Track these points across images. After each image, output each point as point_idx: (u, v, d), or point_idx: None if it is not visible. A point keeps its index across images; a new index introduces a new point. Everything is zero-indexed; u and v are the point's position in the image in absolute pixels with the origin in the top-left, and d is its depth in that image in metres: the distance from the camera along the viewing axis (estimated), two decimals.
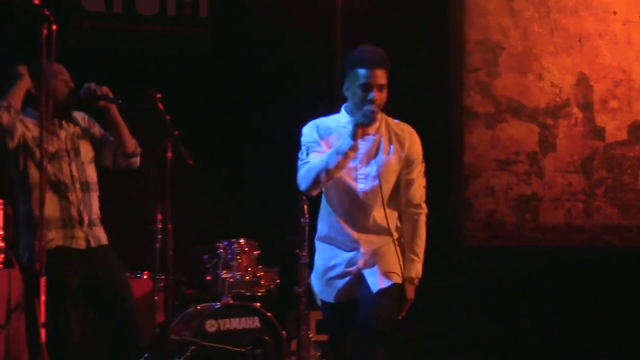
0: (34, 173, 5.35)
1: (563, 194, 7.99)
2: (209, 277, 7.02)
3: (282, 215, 7.53)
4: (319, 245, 5.21)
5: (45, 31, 4.38)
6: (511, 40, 8.10)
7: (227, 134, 7.96)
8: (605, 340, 7.38)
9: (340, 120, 5.07)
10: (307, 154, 5.01)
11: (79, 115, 5.65)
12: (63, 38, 4.56)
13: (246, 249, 7.02)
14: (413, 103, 7.89)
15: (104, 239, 5.61)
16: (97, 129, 5.69)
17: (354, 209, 5.05)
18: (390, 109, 7.97)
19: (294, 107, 7.55)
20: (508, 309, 7.77)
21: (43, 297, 4.46)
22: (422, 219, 5.24)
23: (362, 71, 4.98)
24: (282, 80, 8.05)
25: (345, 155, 4.86)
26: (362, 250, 5.03)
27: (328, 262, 5.10)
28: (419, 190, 5.23)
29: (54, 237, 5.30)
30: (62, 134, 5.50)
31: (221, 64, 8.02)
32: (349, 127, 4.89)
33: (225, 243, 6.99)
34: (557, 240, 7.95)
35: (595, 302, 7.62)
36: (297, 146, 5.15)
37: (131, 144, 5.70)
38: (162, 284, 6.30)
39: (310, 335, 7.24)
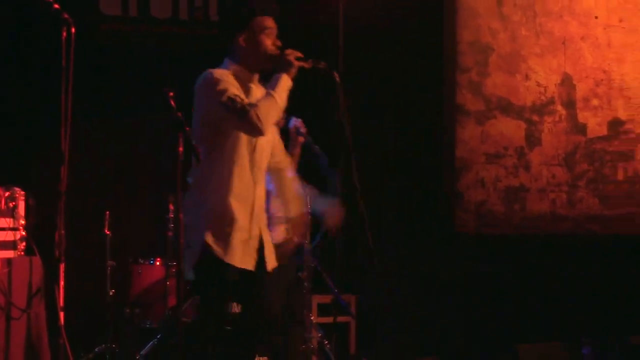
0: None
1: (548, 185, 7.97)
2: None
3: None
4: (218, 212, 4.54)
5: (65, 34, 4.35)
6: (500, 42, 8.07)
7: None
8: (587, 324, 7.33)
9: (239, 75, 4.64)
10: (238, 97, 4.47)
11: None
12: (82, 40, 4.51)
13: None
14: (409, 100, 7.88)
15: None
16: None
17: (257, 157, 4.65)
18: (388, 107, 7.99)
19: (294, 101, 7.51)
20: (498, 292, 7.75)
21: (62, 283, 4.43)
22: None
23: (269, 20, 4.68)
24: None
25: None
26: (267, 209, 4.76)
27: (233, 223, 4.55)
28: None
29: None
30: None
31: None
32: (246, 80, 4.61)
33: None
34: (543, 229, 7.93)
35: (579, 287, 7.58)
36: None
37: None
38: (174, 270, 6.24)
39: (312, 318, 7.20)
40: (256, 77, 4.77)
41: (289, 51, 4.66)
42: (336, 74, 4.67)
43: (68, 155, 4.44)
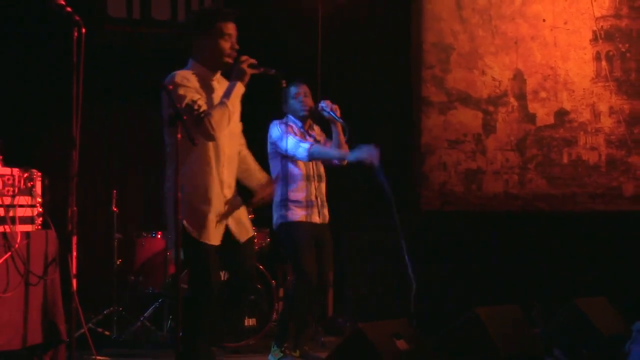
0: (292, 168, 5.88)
1: (502, 168, 8.01)
2: None
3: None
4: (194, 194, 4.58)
5: (76, 34, 4.35)
6: (460, 42, 8.09)
7: None
8: (537, 289, 7.38)
9: (201, 75, 4.64)
10: (197, 102, 4.46)
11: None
12: (91, 40, 4.52)
13: None
14: (381, 94, 7.91)
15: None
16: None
17: (231, 150, 4.72)
18: (362, 99, 8.01)
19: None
20: (460, 262, 7.77)
21: (75, 253, 4.46)
22: None
23: (226, 25, 4.64)
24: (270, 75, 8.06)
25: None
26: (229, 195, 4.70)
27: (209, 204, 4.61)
28: None
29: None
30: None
31: None
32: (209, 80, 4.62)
33: None
34: (497, 206, 7.97)
35: (529, 257, 7.63)
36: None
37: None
38: None
39: None
40: (218, 74, 4.74)
41: (243, 58, 4.62)
42: (284, 81, 4.72)
43: (79, 141, 4.48)
